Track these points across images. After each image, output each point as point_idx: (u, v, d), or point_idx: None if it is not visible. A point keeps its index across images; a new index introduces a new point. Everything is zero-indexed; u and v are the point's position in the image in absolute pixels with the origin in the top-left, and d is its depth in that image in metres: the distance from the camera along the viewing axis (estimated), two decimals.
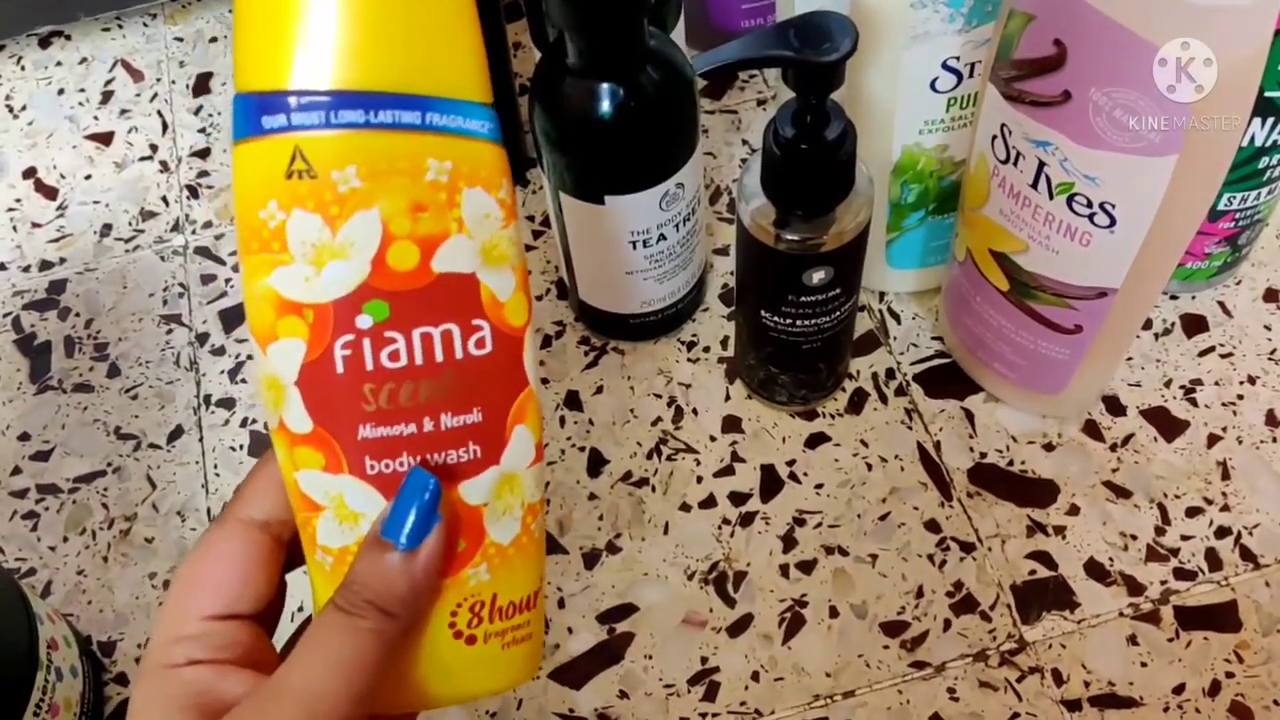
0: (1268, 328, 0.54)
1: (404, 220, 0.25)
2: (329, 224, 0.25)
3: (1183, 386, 0.53)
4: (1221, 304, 0.55)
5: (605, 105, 0.45)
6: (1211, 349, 0.54)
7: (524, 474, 0.28)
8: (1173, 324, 0.54)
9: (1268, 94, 0.44)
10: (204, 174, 0.64)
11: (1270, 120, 0.46)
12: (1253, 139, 0.47)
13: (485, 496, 0.28)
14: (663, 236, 0.50)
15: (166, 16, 0.71)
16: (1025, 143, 0.42)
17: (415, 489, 0.27)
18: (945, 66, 0.45)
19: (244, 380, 0.56)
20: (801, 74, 0.40)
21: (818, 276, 0.46)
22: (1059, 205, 0.42)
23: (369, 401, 0.26)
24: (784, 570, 0.49)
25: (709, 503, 0.51)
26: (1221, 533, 0.49)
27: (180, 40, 0.69)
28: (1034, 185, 0.43)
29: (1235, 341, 0.54)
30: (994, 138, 0.43)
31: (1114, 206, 0.41)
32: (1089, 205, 0.41)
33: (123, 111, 0.67)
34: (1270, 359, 0.53)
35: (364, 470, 0.27)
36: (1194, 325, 0.54)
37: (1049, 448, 0.51)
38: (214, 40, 0.69)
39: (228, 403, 0.56)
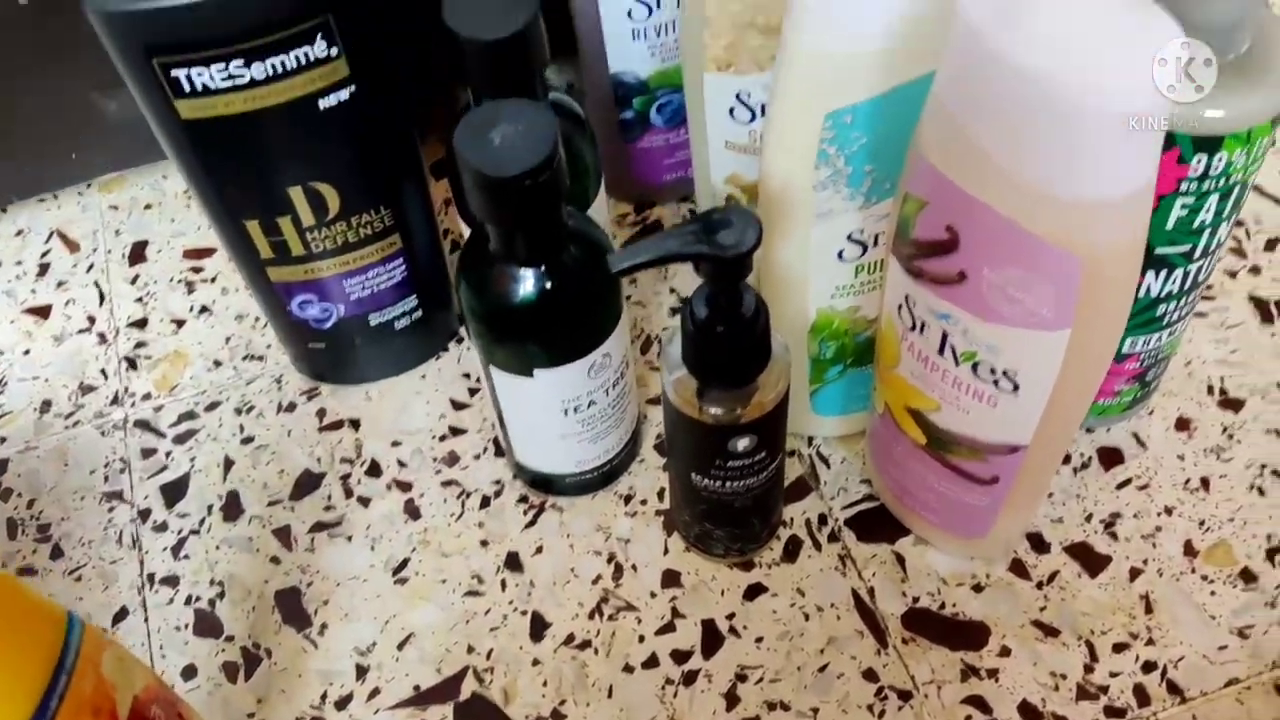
0: (1181, 457, 0.56)
1: None
2: None
3: (1103, 520, 0.54)
4: (1136, 435, 0.57)
5: (527, 289, 0.46)
6: (1129, 481, 0.55)
7: None
8: (1090, 458, 0.56)
9: (1159, 250, 0.47)
10: (141, 344, 0.65)
11: (1164, 273, 0.48)
12: (1149, 290, 0.49)
13: None
14: (593, 402, 0.51)
15: (101, 185, 0.72)
16: (928, 314, 0.44)
17: None
18: (850, 239, 0.47)
19: (187, 556, 0.57)
20: (712, 267, 0.41)
21: (742, 444, 0.47)
22: (965, 371, 0.44)
23: None
24: None
25: (651, 662, 0.52)
26: (1148, 667, 0.50)
27: (115, 208, 0.71)
28: (940, 352, 0.45)
29: (1151, 473, 0.56)
30: (900, 307, 0.45)
31: (1015, 374, 0.43)
32: (993, 372, 0.43)
33: (60, 283, 0.68)
34: (1185, 489, 0.55)
35: None
36: (1110, 458, 0.56)
37: (978, 589, 0.53)
38: (149, 207, 0.71)
39: (171, 580, 0.56)
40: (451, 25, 0.46)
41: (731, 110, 0.53)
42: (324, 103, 0.48)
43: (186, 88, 0.46)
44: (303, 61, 0.46)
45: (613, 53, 0.59)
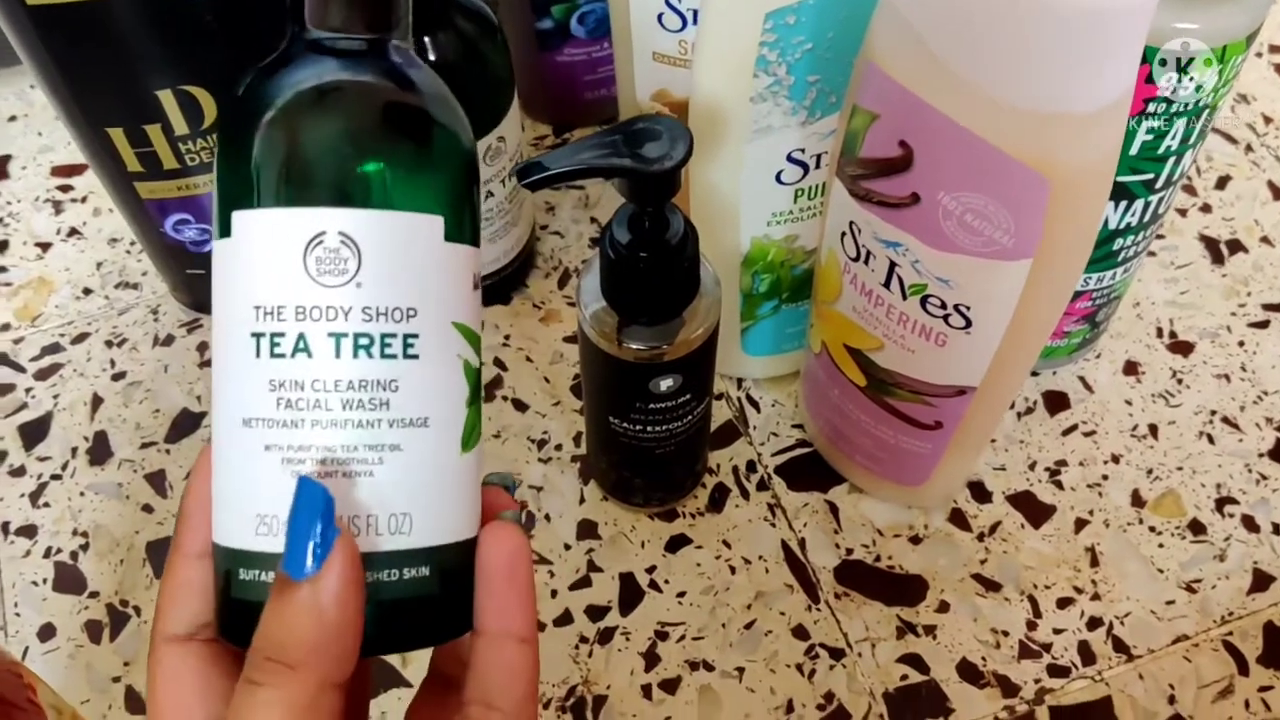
0: (1128, 402, 0.53)
1: None
2: None
3: (1048, 469, 0.51)
4: (1083, 379, 0.54)
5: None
6: (1074, 427, 0.52)
7: None
8: (1035, 402, 0.53)
9: (1120, 178, 0.43)
10: (1, 270, 0.58)
11: (1124, 203, 0.45)
12: (1107, 222, 0.45)
13: None
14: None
15: None
16: (875, 242, 0.40)
17: (306, 504, 0.22)
18: (790, 159, 0.43)
19: (47, 504, 0.51)
20: (636, 183, 0.37)
21: (666, 384, 0.43)
22: (913, 305, 0.40)
23: None
24: (646, 691, 0.46)
25: (564, 619, 0.48)
26: (1093, 624, 0.47)
27: None
28: (886, 285, 0.41)
29: (1098, 419, 0.52)
30: (843, 234, 0.41)
31: (969, 308, 0.39)
32: (943, 306, 0.39)
33: None
34: (1133, 435, 0.52)
35: None
36: (1056, 403, 0.53)
37: (915, 540, 0.49)
38: (13, 119, 0.64)
39: (28, 530, 0.50)
40: None
41: (660, 16, 0.48)
42: None
43: None
44: None
45: None
